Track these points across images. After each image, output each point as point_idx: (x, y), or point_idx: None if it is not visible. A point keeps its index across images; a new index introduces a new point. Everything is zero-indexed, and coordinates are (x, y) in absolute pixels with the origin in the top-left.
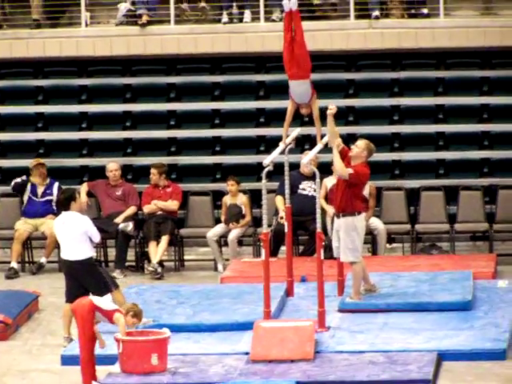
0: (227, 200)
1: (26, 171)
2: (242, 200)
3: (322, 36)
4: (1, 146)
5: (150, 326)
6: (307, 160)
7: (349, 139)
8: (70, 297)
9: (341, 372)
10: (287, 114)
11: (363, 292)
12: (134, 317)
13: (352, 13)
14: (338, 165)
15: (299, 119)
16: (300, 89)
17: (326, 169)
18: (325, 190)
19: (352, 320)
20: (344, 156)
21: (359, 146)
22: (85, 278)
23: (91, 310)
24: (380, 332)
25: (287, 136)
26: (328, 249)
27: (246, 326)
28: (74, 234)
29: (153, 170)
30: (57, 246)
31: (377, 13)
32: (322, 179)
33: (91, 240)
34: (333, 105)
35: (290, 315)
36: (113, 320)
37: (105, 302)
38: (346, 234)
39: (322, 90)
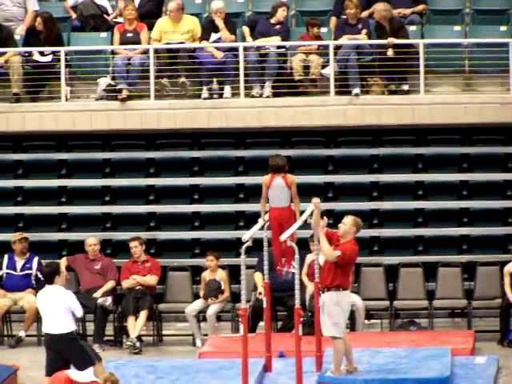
0: (206, 275)
1: (4, 245)
2: (221, 275)
3: (301, 112)
4: None
5: None
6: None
7: (328, 215)
8: (51, 370)
9: None
10: (263, 192)
11: (344, 371)
12: None
13: (332, 89)
14: (325, 248)
15: None
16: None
17: (304, 245)
18: (307, 267)
19: None
20: (330, 238)
21: (346, 223)
22: (67, 352)
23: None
24: None
25: (266, 212)
26: (307, 325)
27: None
28: (58, 308)
29: (134, 243)
30: (36, 319)
31: (357, 91)
32: (301, 255)
33: (74, 314)
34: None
35: None
36: None
37: (82, 375)
38: (329, 308)
39: (302, 166)
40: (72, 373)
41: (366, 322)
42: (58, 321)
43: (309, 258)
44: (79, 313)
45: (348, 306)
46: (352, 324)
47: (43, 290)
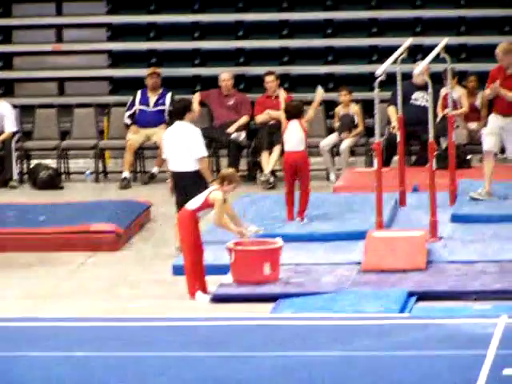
0: (340, 110)
1: (137, 81)
2: (355, 110)
3: None
4: (112, 56)
5: (261, 235)
6: (419, 70)
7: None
8: (181, 207)
9: (453, 282)
10: None
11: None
12: (229, 183)
13: None
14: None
15: (412, 29)
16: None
17: (438, 79)
18: (441, 99)
19: (464, 230)
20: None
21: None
22: (191, 190)
23: (190, 217)
24: (492, 242)
25: None
26: (441, 158)
27: (358, 236)
28: (184, 146)
29: (270, 78)
30: None
31: None
32: (435, 89)
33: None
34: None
35: (402, 225)
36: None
37: (197, 199)
38: None
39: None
40: (189, 204)
41: None
42: (184, 159)
43: (443, 91)
44: (199, 153)
45: None
46: None
47: (172, 126)
